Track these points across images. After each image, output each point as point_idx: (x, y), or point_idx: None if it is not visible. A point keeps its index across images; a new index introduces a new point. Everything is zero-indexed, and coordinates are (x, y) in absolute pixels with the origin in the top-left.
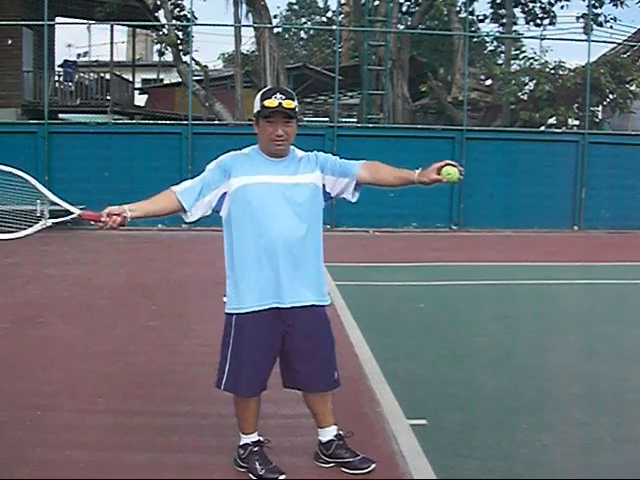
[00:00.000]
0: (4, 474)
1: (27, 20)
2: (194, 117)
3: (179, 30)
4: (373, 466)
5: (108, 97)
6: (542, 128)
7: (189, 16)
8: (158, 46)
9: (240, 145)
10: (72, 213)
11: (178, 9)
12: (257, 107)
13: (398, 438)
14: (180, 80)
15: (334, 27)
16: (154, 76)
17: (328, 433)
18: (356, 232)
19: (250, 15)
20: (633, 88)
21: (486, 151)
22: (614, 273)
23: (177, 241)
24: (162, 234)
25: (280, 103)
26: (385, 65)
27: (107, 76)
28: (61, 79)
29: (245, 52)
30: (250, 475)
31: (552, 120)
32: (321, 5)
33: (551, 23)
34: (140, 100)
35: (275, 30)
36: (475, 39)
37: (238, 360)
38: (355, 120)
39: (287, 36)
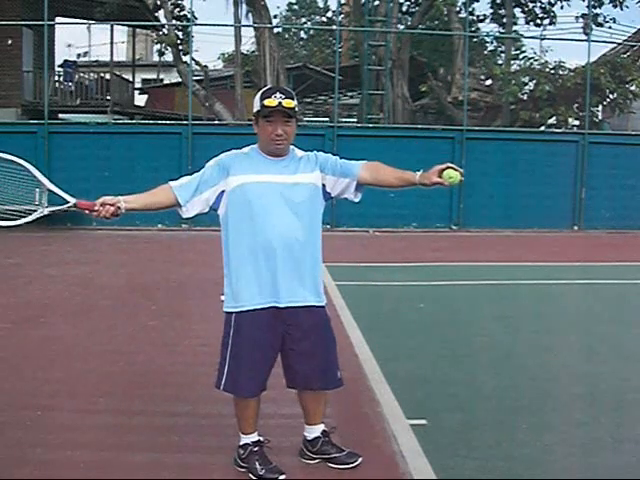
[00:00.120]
0: (4, 474)
1: (27, 20)
2: (194, 117)
3: (179, 30)
4: (360, 460)
5: (108, 97)
6: (542, 128)
7: (189, 16)
8: (158, 46)
9: (240, 145)
10: (68, 202)
11: (178, 9)
12: (257, 106)
13: (398, 438)
14: (180, 80)
15: (334, 27)
16: (154, 76)
17: (315, 431)
18: (356, 232)
19: (250, 15)
20: (633, 88)
21: (486, 151)
22: (614, 273)
23: (177, 241)
24: (162, 234)
25: (280, 102)
26: (385, 65)
27: (107, 76)
28: (61, 79)
29: (245, 52)
30: (250, 475)
31: (552, 120)
32: (321, 5)
33: (551, 23)
34: (140, 100)
35: (275, 30)
36: (475, 39)
37: (237, 360)
38: (355, 120)
39: (287, 36)
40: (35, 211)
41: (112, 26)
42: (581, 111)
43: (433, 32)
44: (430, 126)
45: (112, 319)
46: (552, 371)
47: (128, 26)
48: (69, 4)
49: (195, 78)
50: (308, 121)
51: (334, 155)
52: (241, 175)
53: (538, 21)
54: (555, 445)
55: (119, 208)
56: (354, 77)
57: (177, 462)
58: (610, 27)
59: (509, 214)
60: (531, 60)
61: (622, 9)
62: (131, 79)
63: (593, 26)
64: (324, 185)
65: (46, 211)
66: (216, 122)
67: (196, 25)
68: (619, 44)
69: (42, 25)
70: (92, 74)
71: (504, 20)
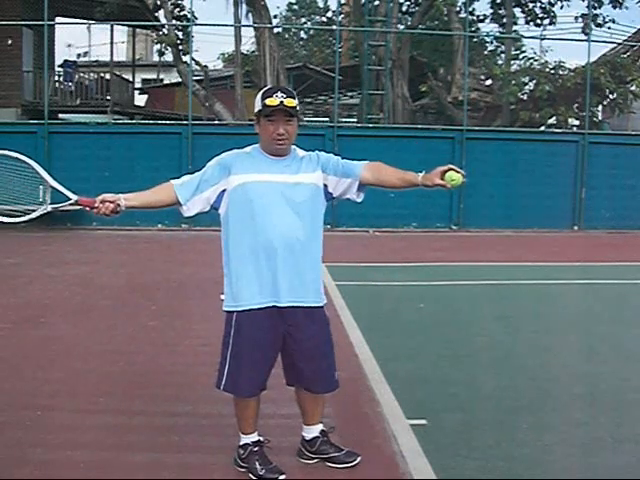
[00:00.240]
0: (4, 474)
1: (27, 20)
2: (194, 117)
3: (179, 30)
4: (359, 459)
5: (108, 97)
6: (542, 128)
7: (189, 16)
8: (158, 46)
9: (240, 145)
10: (70, 199)
11: (178, 9)
12: (258, 106)
13: (398, 438)
14: (180, 80)
15: (334, 27)
16: (154, 76)
17: (313, 431)
18: (356, 232)
19: (250, 15)
20: (633, 88)
21: (486, 151)
22: (614, 273)
23: (177, 241)
24: (162, 234)
25: (281, 102)
26: (385, 65)
27: (107, 76)
28: (61, 79)
29: (245, 52)
30: (250, 475)
31: (552, 120)
32: (321, 5)
33: (551, 23)
34: (140, 100)
35: (275, 30)
36: (475, 39)
37: (238, 360)
38: (355, 120)
39: (287, 36)
40: (39, 208)
41: (112, 26)
42: (581, 111)
43: (433, 32)
44: (430, 126)
45: (112, 319)
46: (552, 371)
47: (128, 26)
48: (69, 4)
49: (195, 78)
50: (308, 121)
51: (335, 155)
52: (242, 174)
53: (538, 21)
54: (555, 445)
55: (119, 205)
56: (354, 77)
57: (177, 462)
58: (610, 27)
59: (509, 214)
60: (531, 60)
61: (621, 9)
62: (131, 79)
63: (593, 26)
64: (326, 185)
65: (49, 208)
66: (216, 122)
67: (196, 25)
68: (619, 44)
69: (42, 25)
70: (92, 74)
71: (504, 20)
